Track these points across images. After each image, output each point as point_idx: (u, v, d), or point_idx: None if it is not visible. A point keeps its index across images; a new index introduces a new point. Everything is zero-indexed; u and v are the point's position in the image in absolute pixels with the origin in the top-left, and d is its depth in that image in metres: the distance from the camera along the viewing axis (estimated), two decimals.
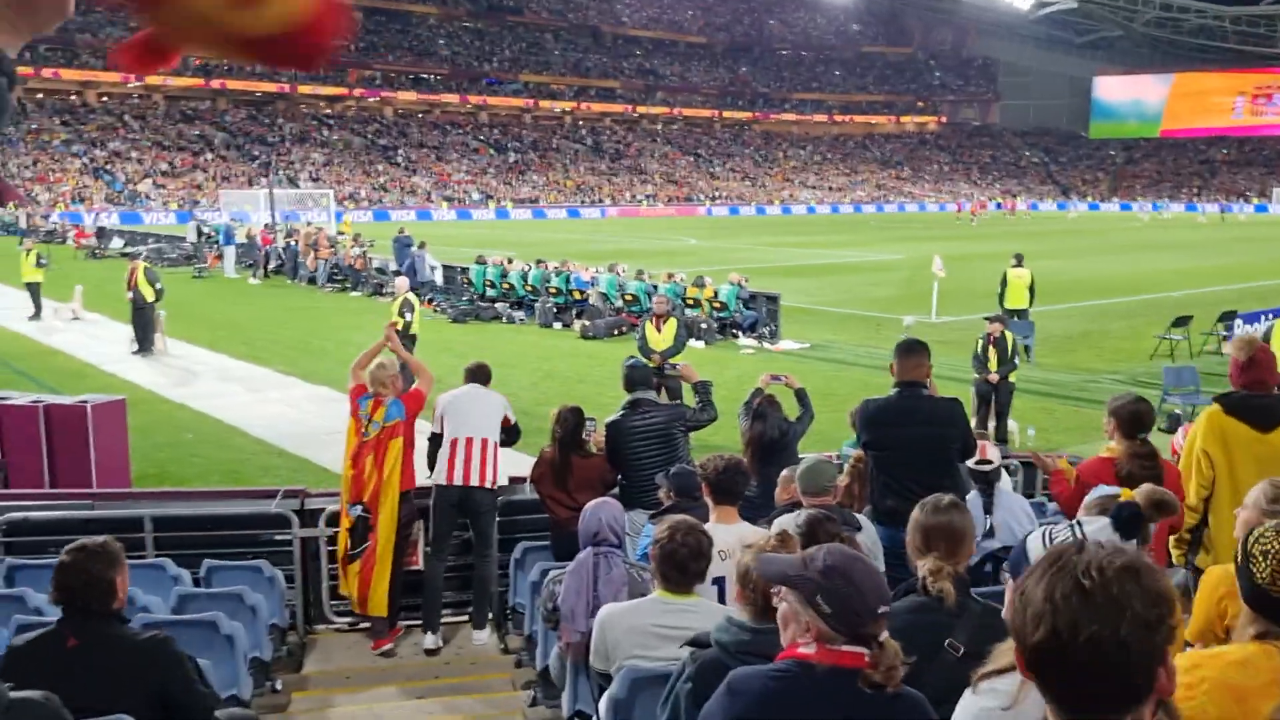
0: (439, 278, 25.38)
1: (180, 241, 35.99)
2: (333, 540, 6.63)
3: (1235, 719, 2.21)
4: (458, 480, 6.48)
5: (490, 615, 6.66)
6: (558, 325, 21.34)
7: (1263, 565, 2.33)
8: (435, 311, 22.24)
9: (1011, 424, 12.06)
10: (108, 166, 62.16)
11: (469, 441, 6.54)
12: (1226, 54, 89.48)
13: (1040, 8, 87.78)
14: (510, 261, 24.17)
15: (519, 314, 22.39)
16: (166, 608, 5.12)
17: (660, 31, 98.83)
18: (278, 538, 6.65)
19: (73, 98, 67.46)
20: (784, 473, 5.38)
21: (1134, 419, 4.56)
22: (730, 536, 4.05)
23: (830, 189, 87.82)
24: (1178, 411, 12.76)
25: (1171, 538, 4.62)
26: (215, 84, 71.76)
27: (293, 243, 30.69)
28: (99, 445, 8.54)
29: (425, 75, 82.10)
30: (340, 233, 35.18)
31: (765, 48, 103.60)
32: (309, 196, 51.39)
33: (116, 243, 37.04)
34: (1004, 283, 17.77)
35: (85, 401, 8.72)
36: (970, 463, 5.24)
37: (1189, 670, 2.29)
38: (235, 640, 4.64)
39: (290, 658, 6.14)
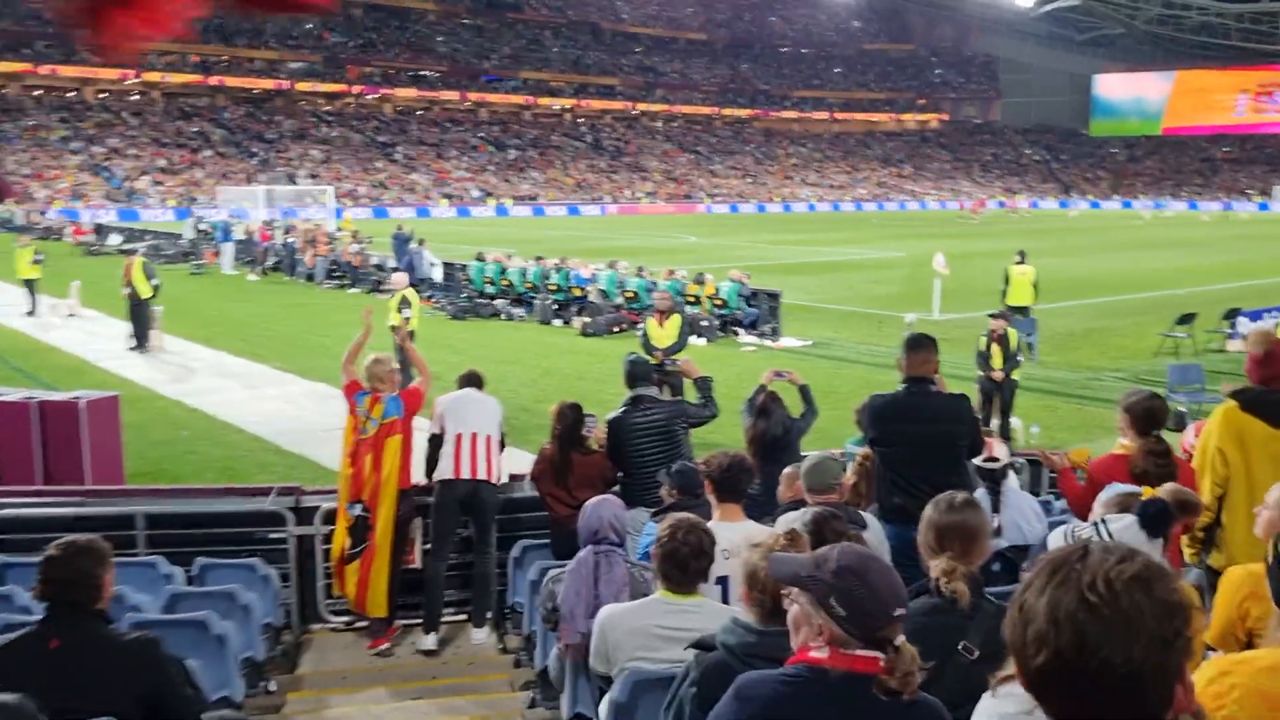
0: (438, 275, 25.27)
1: (178, 238, 35.89)
2: (328, 539, 6.52)
3: None
4: (465, 474, 6.37)
5: (489, 614, 6.57)
6: (557, 322, 21.24)
7: None
8: (434, 309, 22.15)
9: (1015, 421, 11.97)
10: (106, 163, 62.04)
11: (474, 437, 6.45)
12: (1229, 51, 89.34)
13: (1042, 4, 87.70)
14: (510, 258, 24.08)
15: (518, 311, 22.28)
16: (157, 606, 5.02)
17: (660, 28, 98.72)
18: (273, 535, 6.54)
19: (70, 94, 67.33)
20: (787, 470, 5.27)
21: (1148, 415, 4.45)
22: (735, 535, 3.94)
23: (831, 187, 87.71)
24: (1183, 409, 12.66)
25: (1184, 536, 4.51)
26: (213, 80, 71.70)
27: (291, 239, 30.59)
28: (92, 442, 8.44)
29: (424, 72, 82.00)
30: (339, 229, 35.10)
31: (766, 45, 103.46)
32: (308, 193, 51.31)
33: (114, 239, 36.94)
34: (1007, 280, 17.66)
35: (78, 398, 8.61)
36: (977, 460, 5.14)
37: (1218, 678, 2.19)
38: (227, 640, 4.53)
39: (285, 658, 6.04)
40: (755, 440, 6.47)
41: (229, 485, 7.78)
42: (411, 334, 13.42)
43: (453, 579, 6.73)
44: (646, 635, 3.48)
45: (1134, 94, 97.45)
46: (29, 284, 21.41)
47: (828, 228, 54.45)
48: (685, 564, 3.44)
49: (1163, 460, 4.26)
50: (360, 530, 6.31)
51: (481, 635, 6.47)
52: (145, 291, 17.22)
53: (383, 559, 6.30)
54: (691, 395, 7.09)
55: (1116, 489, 3.36)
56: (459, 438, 6.43)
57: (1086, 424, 12.62)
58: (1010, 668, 1.95)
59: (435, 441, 6.58)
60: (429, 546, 6.63)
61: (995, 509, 4.94)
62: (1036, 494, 6.95)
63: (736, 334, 19.69)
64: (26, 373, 15.09)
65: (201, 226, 35.60)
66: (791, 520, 3.93)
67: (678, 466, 5.12)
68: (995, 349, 11.86)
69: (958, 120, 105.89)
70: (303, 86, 75.72)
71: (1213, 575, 4.26)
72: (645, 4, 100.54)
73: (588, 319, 20.28)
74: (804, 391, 6.89)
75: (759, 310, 19.99)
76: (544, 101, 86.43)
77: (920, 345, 5.19)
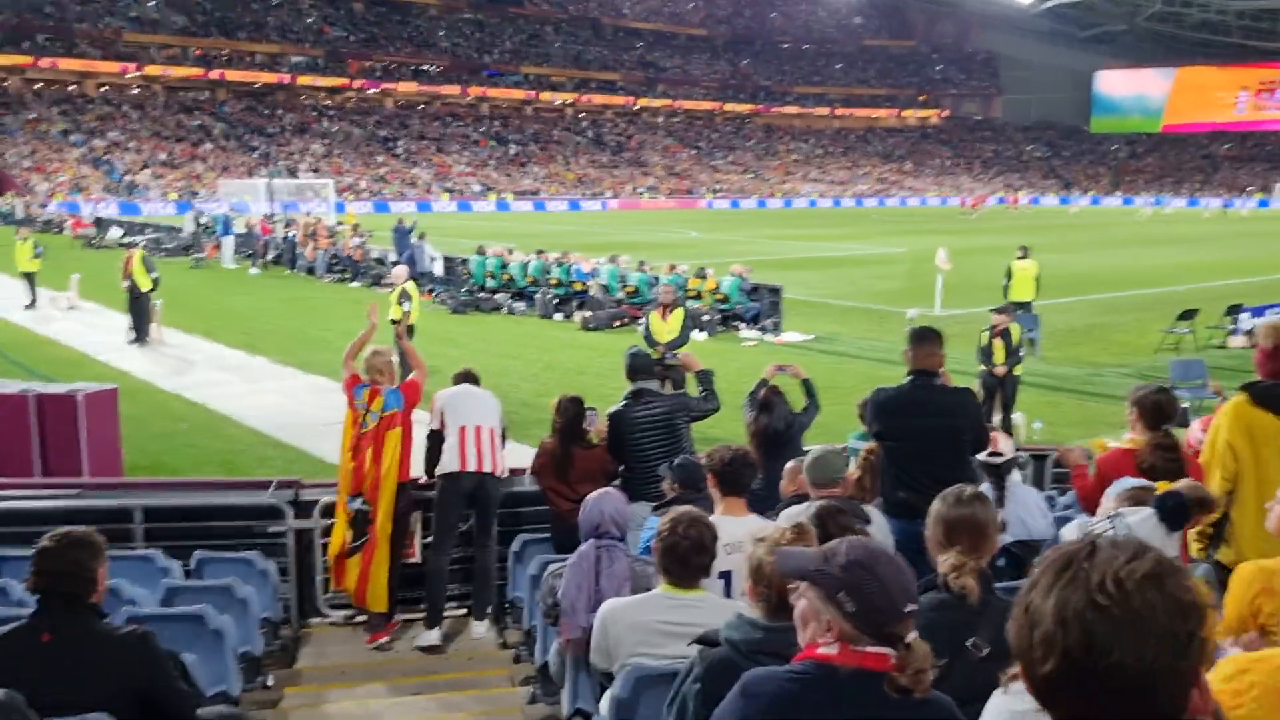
0: (439, 268, 25.21)
1: (178, 232, 35.83)
2: (327, 533, 6.47)
3: None
4: (471, 466, 6.31)
5: (489, 609, 6.52)
6: (558, 316, 21.18)
7: None
8: (435, 302, 22.10)
9: (1017, 417, 11.92)
10: (106, 156, 61.93)
11: (478, 429, 6.40)
12: (1230, 48, 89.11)
13: (1043, 1, 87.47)
14: (511, 252, 24.01)
15: (519, 305, 22.22)
16: (154, 600, 4.97)
17: (661, 24, 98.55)
18: (271, 529, 6.49)
19: (71, 87, 67.19)
20: (790, 464, 5.23)
21: (1157, 409, 4.40)
22: (740, 529, 3.89)
23: (832, 183, 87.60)
24: (1186, 405, 12.60)
25: (1193, 531, 4.46)
26: (214, 74, 71.54)
27: (291, 233, 30.52)
28: (90, 435, 8.38)
29: (425, 67, 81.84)
30: (340, 223, 35.02)
31: (767, 40, 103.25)
32: (309, 187, 51.21)
33: (114, 233, 36.85)
34: (1009, 274, 17.60)
35: (77, 390, 8.56)
36: (981, 455, 5.09)
37: (1236, 675, 2.14)
38: (223, 634, 4.48)
39: (283, 652, 5.99)
40: (757, 435, 6.41)
41: (228, 479, 7.74)
42: (411, 329, 13.40)
43: (453, 573, 6.68)
44: (648, 630, 3.43)
45: (1135, 91, 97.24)
46: (28, 277, 21.36)
47: (829, 223, 54.37)
48: (686, 558, 3.39)
49: (1171, 455, 4.21)
50: (361, 524, 6.27)
51: (481, 629, 6.43)
52: (145, 284, 17.17)
53: (383, 553, 6.25)
54: (693, 389, 7.05)
55: (1127, 483, 3.32)
56: (463, 430, 6.37)
57: (1089, 419, 12.58)
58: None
59: (435, 437, 6.52)
60: (429, 540, 6.58)
61: (1000, 504, 4.89)
62: (1040, 489, 6.90)
63: (737, 329, 19.64)
64: (25, 366, 15.03)
65: (202, 220, 35.54)
66: (795, 514, 3.88)
67: (680, 460, 5.08)
68: (997, 344, 11.81)
69: (958, 116, 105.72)
70: (304, 80, 75.56)
71: (1221, 570, 4.22)
72: None
73: (589, 313, 20.22)
74: (807, 385, 6.83)
75: (760, 305, 19.93)
76: (545, 96, 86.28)
77: (926, 338, 5.13)
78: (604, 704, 3.55)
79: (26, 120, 62.32)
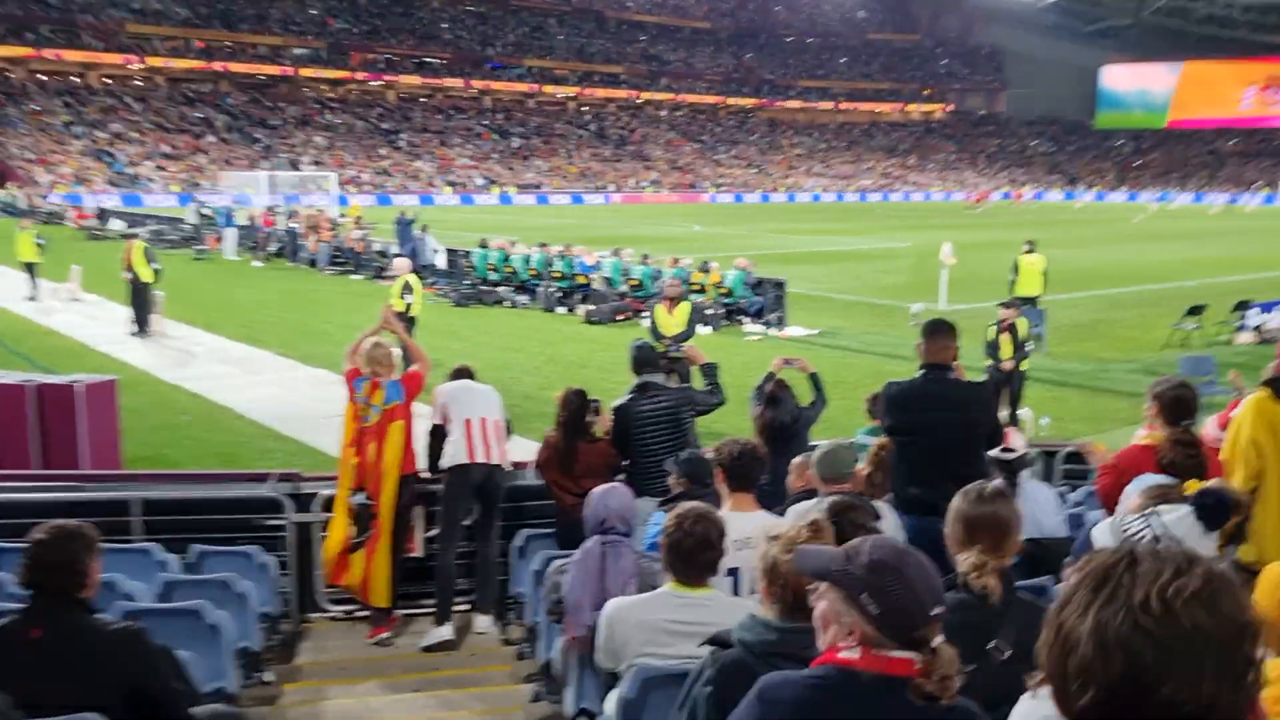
0: (441, 261, 25.12)
1: (180, 224, 35.75)
2: (327, 526, 6.37)
3: None
4: (480, 458, 6.20)
5: (493, 601, 6.43)
6: (561, 309, 21.08)
7: None
8: (437, 295, 22.00)
9: (1024, 412, 11.81)
10: (109, 148, 61.85)
11: (483, 422, 6.30)
12: (1236, 43, 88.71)
13: None
14: (513, 245, 23.91)
15: (522, 298, 22.12)
16: (151, 595, 4.88)
17: (664, 17, 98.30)
18: (271, 522, 6.40)
19: (74, 79, 67.12)
20: (797, 459, 5.13)
21: (1178, 404, 4.30)
22: (750, 525, 3.79)
23: (835, 177, 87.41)
24: None
25: None
26: (217, 66, 71.42)
27: (294, 225, 30.43)
28: (89, 426, 8.31)
29: (428, 59, 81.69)
30: (342, 215, 34.92)
31: (770, 34, 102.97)
32: (311, 179, 51.12)
33: (116, 224, 36.79)
34: (1016, 269, 17.44)
35: (75, 381, 8.47)
36: (993, 451, 4.99)
37: (1274, 681, 2.05)
38: (221, 630, 4.39)
39: (283, 647, 5.91)
40: (764, 429, 6.31)
41: (227, 471, 7.65)
42: (413, 321, 13.30)
43: (456, 567, 6.59)
44: (655, 629, 3.34)
45: (1140, 86, 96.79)
46: (30, 268, 21.29)
47: (832, 218, 54.22)
48: (692, 555, 3.30)
49: (1191, 451, 4.10)
50: (365, 519, 6.18)
51: (485, 623, 6.34)
52: (146, 275, 17.09)
53: (385, 547, 6.17)
54: (698, 383, 6.95)
55: (1150, 480, 3.21)
56: (468, 423, 6.27)
57: (1096, 415, 12.48)
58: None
59: (438, 432, 6.42)
60: (434, 534, 6.49)
61: None
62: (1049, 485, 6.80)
63: (741, 323, 19.53)
64: (26, 356, 14.96)
65: (204, 212, 35.46)
66: (805, 510, 3.78)
67: (686, 454, 4.98)
68: (1004, 339, 11.69)
69: (963, 111, 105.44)
70: (307, 73, 75.44)
71: (1241, 570, 4.11)
72: None
73: (592, 307, 20.12)
74: (814, 379, 6.74)
75: (764, 299, 19.82)
76: (548, 89, 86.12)
77: (939, 331, 5.02)
78: (609, 703, 3.46)
79: (29, 112, 62.26)
